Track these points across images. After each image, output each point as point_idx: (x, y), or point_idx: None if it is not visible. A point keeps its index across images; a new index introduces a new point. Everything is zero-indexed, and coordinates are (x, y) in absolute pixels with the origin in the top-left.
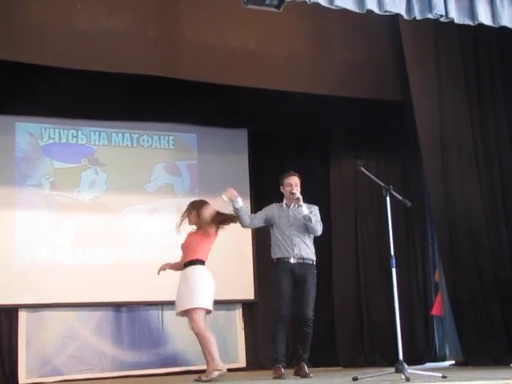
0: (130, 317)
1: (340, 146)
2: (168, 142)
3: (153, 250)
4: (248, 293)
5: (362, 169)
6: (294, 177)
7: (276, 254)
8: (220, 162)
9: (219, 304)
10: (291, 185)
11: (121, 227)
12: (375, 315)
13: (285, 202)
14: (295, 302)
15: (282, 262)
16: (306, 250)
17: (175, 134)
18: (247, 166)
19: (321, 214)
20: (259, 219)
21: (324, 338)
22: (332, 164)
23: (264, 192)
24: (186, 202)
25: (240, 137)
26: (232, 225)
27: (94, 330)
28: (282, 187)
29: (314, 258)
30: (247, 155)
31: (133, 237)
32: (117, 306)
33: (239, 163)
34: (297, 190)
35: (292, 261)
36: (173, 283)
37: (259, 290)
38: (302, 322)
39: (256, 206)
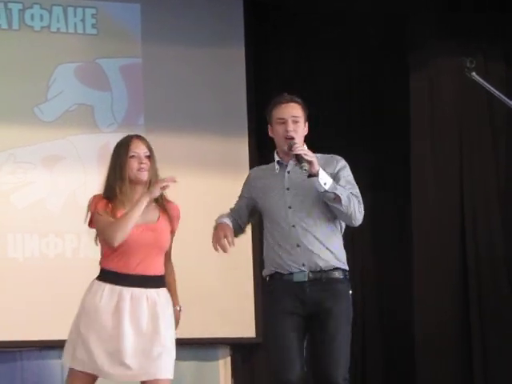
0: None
1: (429, 28)
2: (83, 21)
3: (41, 242)
4: (243, 327)
5: (475, 75)
6: (290, 105)
7: (267, 265)
8: (188, 62)
9: (185, 348)
10: (285, 121)
11: None
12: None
13: (277, 158)
14: (311, 357)
15: (278, 280)
16: (324, 252)
17: (98, 2)
18: (243, 69)
19: (392, 162)
20: (242, 216)
21: None
22: (412, 65)
23: None
24: (115, 142)
25: (229, 10)
26: (216, 207)
27: None
28: (269, 126)
29: (344, 266)
30: (243, 47)
31: (7, 208)
32: None
33: (227, 63)
34: (298, 135)
35: (296, 278)
36: None
37: (265, 322)
38: None
39: (261, 157)
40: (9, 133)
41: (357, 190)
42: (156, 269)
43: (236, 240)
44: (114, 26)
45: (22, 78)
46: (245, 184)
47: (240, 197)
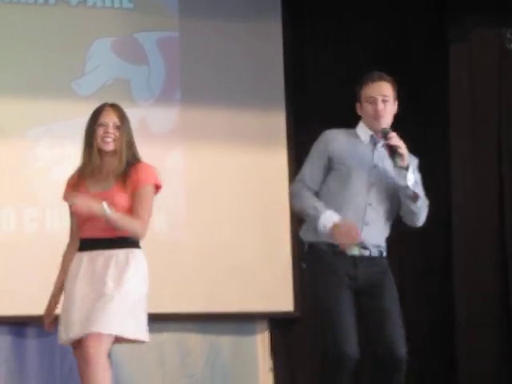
0: (43, 345)
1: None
2: None
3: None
4: (281, 301)
5: None
6: (379, 83)
7: (317, 233)
8: (225, 35)
9: (224, 321)
10: (375, 100)
11: (22, 165)
12: None
13: (366, 129)
14: (370, 332)
15: (330, 251)
16: (382, 235)
17: None
18: (281, 41)
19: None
20: (319, 184)
21: None
22: (452, 37)
23: (315, 99)
24: (152, 116)
25: None
26: (254, 181)
27: None
28: (358, 105)
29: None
30: (280, 19)
31: (45, 183)
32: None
33: (264, 36)
34: (387, 115)
35: (353, 252)
36: None
37: (303, 296)
38: (389, 364)
39: (298, 130)
40: (46, 108)
41: (423, 192)
42: (110, 230)
43: (274, 213)
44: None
45: (58, 53)
46: (319, 147)
47: (312, 163)
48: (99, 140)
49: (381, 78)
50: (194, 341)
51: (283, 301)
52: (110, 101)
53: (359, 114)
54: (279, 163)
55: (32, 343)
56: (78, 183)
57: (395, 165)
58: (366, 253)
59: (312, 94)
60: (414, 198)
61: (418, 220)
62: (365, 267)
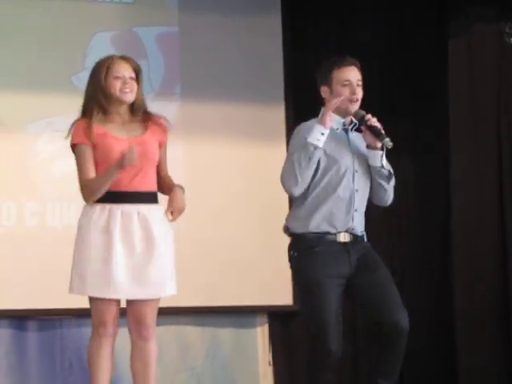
0: (43, 338)
1: None
2: None
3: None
4: (281, 295)
5: None
6: (354, 68)
7: (309, 223)
8: (224, 30)
9: (224, 315)
10: (351, 84)
11: (23, 159)
12: None
13: (336, 117)
14: (369, 303)
15: (321, 240)
16: (363, 217)
17: None
18: (280, 37)
19: (429, 132)
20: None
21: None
22: (452, 32)
23: (315, 93)
24: (153, 110)
25: None
26: (254, 175)
27: None
28: (324, 88)
29: None
30: (280, 14)
31: (45, 177)
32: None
33: (264, 31)
34: (359, 100)
35: (341, 238)
36: None
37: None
38: (391, 333)
39: (297, 124)
40: (46, 102)
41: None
42: (146, 184)
43: (274, 206)
44: None
45: (58, 47)
46: (300, 143)
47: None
48: (118, 92)
49: (354, 63)
50: (194, 334)
51: (282, 294)
52: None
53: (325, 97)
54: (279, 157)
55: (32, 337)
56: (96, 129)
57: (382, 146)
58: (356, 238)
59: (311, 88)
60: (389, 176)
61: (389, 198)
62: (355, 252)
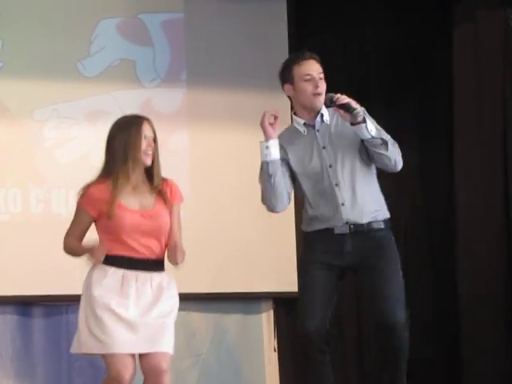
0: (49, 324)
1: None
2: None
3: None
4: (285, 281)
5: None
6: (313, 62)
7: (308, 223)
8: (230, 16)
9: (229, 301)
10: (313, 78)
11: (29, 145)
12: None
13: (302, 120)
14: (370, 299)
15: (318, 233)
16: (367, 206)
17: None
18: (285, 23)
19: (432, 116)
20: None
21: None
22: (456, 19)
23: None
24: (157, 97)
25: None
26: (259, 163)
27: None
28: (287, 86)
29: (384, 215)
30: (285, 3)
31: (51, 163)
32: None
33: (269, 17)
34: (323, 92)
35: (338, 230)
36: None
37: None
38: (383, 331)
39: None
40: (52, 88)
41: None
42: (157, 253)
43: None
44: None
45: (64, 34)
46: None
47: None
48: (142, 154)
49: (312, 57)
50: (199, 321)
51: (287, 281)
52: (116, 81)
53: (288, 94)
54: None
55: (38, 323)
56: (110, 199)
57: (357, 119)
58: (358, 229)
59: None
60: (384, 144)
61: (396, 162)
62: (357, 242)
